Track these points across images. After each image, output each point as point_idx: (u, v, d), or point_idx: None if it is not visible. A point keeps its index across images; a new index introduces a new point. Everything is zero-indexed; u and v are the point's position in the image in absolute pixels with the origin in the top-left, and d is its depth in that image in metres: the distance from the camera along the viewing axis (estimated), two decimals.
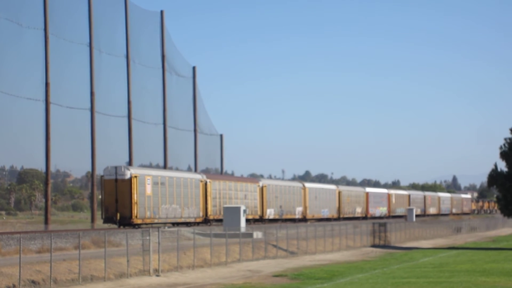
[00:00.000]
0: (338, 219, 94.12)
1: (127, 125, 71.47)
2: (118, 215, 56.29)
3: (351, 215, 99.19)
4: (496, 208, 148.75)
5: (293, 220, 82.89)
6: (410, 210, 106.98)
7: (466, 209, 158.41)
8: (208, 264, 45.68)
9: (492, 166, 74.61)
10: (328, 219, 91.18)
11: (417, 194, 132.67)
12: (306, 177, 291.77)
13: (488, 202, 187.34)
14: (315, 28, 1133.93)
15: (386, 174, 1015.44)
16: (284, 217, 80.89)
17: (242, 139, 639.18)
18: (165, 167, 76.83)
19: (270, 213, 77.94)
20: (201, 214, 65.40)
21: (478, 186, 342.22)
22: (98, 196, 69.33)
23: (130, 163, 70.48)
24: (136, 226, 56.25)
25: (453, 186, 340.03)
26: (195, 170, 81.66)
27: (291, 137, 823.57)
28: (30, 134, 71.58)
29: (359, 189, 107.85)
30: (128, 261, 38.33)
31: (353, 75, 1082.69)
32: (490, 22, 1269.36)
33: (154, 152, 78.60)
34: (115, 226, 56.55)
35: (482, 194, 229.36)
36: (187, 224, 63.65)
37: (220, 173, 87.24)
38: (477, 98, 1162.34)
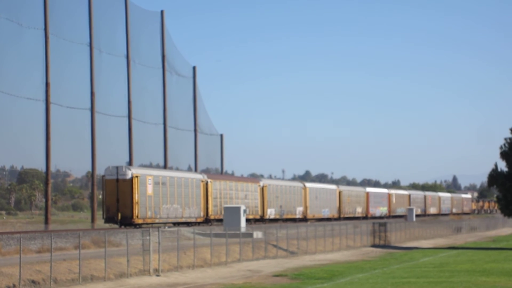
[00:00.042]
0: (338, 219, 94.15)
1: (127, 125, 71.48)
2: (119, 215, 56.31)
3: (351, 215, 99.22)
4: (496, 208, 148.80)
5: (293, 220, 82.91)
6: (411, 210, 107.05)
7: (466, 209, 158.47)
8: (208, 264, 45.68)
9: (492, 166, 74.77)
10: (328, 219, 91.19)
11: (417, 194, 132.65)
12: (306, 177, 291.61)
13: (488, 202, 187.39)
14: (315, 27, 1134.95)
15: (386, 174, 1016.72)
16: (284, 217, 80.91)
17: (242, 139, 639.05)
18: (165, 167, 76.82)
19: (270, 213, 77.97)
20: (202, 214, 65.42)
21: (478, 186, 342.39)
22: (98, 196, 69.41)
23: (130, 163, 70.46)
24: (137, 226, 56.26)
25: (453, 186, 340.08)
26: (195, 170, 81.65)
27: (291, 137, 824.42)
28: (30, 134, 71.52)
29: (359, 189, 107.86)
30: (128, 261, 38.33)
31: (353, 74, 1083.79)
32: (490, 22, 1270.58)
33: (154, 152, 78.67)
34: (116, 226, 56.55)
35: (482, 194, 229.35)
36: (188, 224, 63.68)
37: (220, 173, 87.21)
38: (477, 98, 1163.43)
